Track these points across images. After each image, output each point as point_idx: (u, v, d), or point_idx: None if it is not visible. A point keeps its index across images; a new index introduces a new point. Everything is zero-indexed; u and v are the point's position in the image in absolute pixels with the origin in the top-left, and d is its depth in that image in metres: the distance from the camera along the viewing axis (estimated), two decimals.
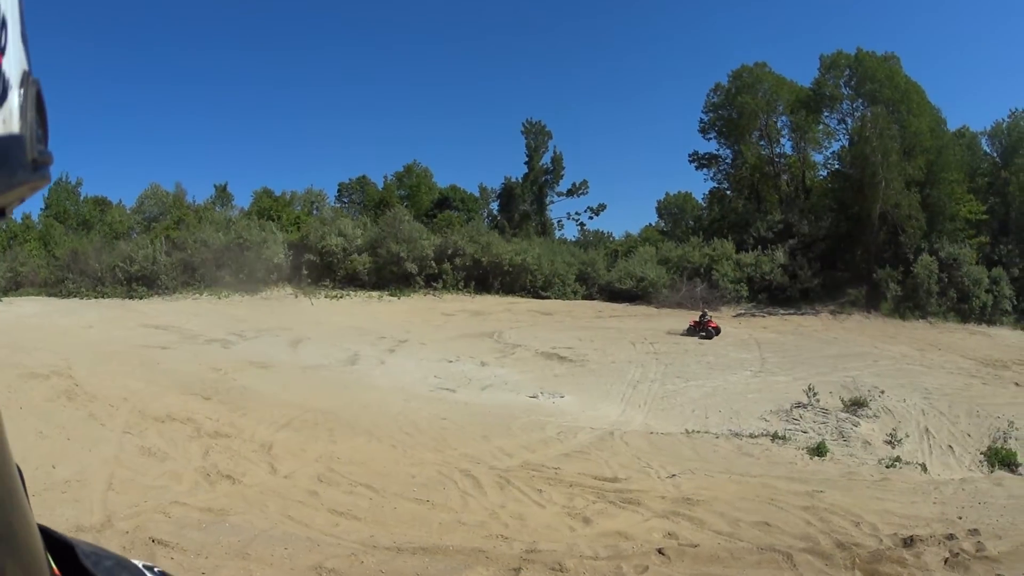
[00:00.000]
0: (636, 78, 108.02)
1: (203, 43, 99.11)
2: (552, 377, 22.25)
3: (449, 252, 43.17)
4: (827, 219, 46.58)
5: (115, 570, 0.84)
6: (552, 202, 57.99)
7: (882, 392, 20.72)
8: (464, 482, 10.72)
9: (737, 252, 44.76)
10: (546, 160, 56.50)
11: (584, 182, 58.15)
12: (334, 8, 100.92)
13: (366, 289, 41.85)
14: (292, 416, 14.08)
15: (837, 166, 49.02)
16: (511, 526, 9.08)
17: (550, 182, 56.90)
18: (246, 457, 11.26)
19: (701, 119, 53.87)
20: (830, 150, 50.72)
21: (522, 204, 55.11)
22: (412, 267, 41.99)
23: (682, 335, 30.55)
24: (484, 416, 16.22)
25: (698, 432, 16.16)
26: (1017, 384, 23.70)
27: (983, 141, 49.13)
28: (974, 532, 9.08)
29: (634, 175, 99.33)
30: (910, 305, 39.38)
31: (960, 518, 10.07)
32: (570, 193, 58.19)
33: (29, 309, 30.53)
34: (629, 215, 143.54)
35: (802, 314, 40.12)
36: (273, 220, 46.65)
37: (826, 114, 49.28)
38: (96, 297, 36.37)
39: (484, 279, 43.45)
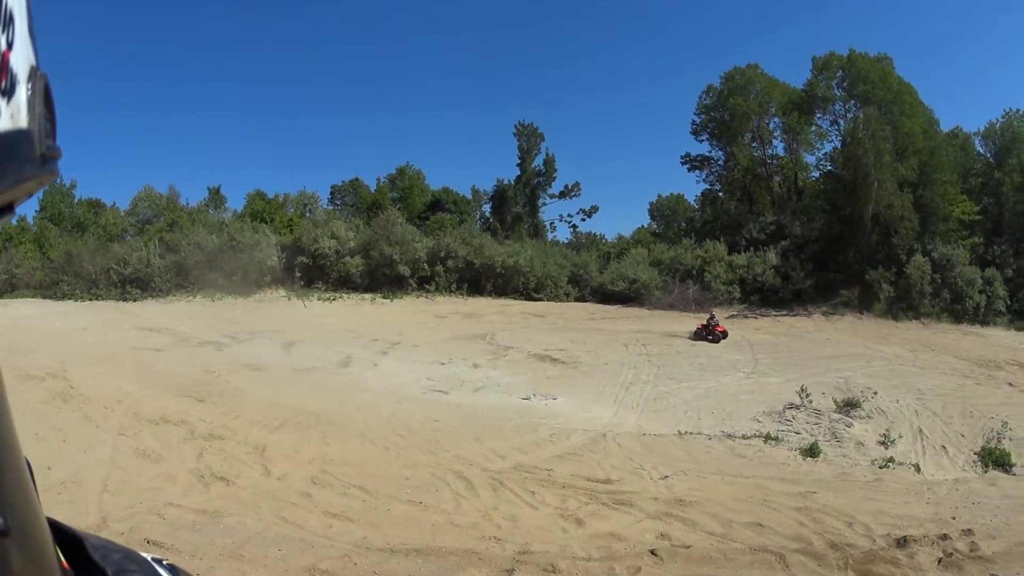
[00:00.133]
0: (628, 80, 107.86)
1: (198, 43, 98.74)
2: (545, 379, 22.24)
3: (442, 254, 43.05)
4: (819, 220, 46.53)
5: (124, 563, 0.84)
6: (544, 204, 57.99)
7: (875, 393, 20.73)
8: (457, 484, 10.74)
9: (729, 254, 44.65)
10: (538, 162, 56.43)
11: (576, 184, 58.25)
12: (328, 10, 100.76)
13: (359, 291, 41.73)
14: (285, 418, 14.09)
15: (829, 167, 48.94)
16: (504, 527, 9.11)
17: (542, 184, 56.83)
18: (240, 459, 11.27)
19: (693, 121, 53.88)
20: (822, 151, 50.77)
21: (514, 206, 55.02)
22: (405, 269, 41.89)
23: (689, 339, 30.48)
24: (477, 418, 16.23)
25: (691, 433, 16.19)
26: (1011, 385, 23.67)
27: (976, 141, 49.06)
28: (968, 532, 9.12)
29: (626, 177, 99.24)
30: (903, 306, 39.31)
31: (954, 518, 10.12)
32: (562, 195, 58.22)
33: (24, 311, 30.48)
34: (621, 217, 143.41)
35: (795, 315, 40.12)
36: (266, 222, 46.61)
37: (818, 115, 49.31)
38: (90, 299, 36.28)
39: (477, 281, 43.32)
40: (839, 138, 47.79)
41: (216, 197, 53.03)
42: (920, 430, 17.83)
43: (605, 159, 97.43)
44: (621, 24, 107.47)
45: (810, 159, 51.92)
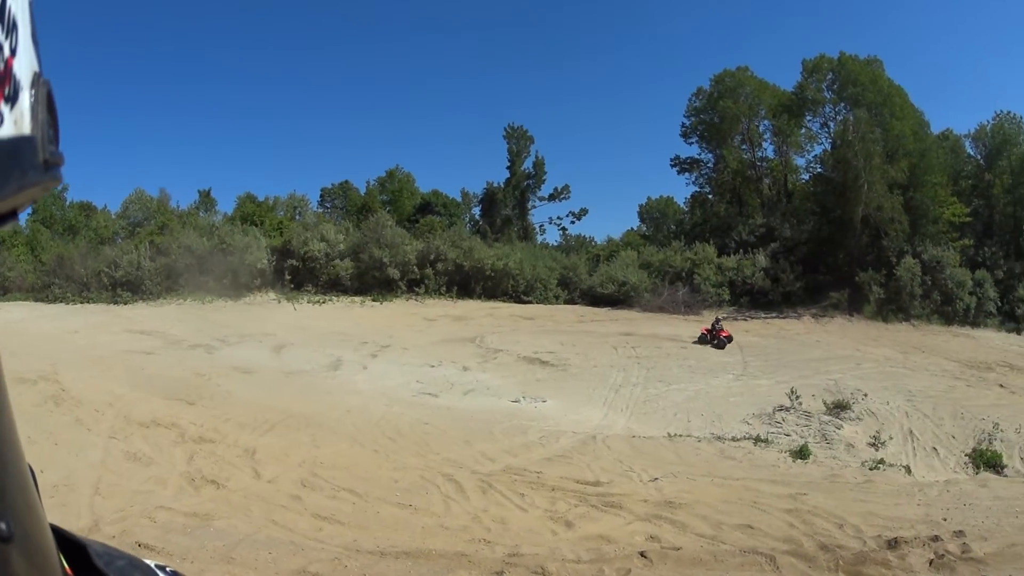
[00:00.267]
0: (617, 81, 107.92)
1: (189, 45, 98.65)
2: (534, 381, 22.22)
3: (431, 257, 43.14)
4: (809, 222, 46.60)
5: (127, 570, 0.85)
6: (534, 207, 58.17)
7: (865, 395, 20.80)
8: (447, 486, 10.74)
9: (719, 256, 44.66)
10: (528, 165, 56.66)
11: (566, 187, 58.46)
12: (317, 11, 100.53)
13: (348, 294, 41.75)
14: (275, 421, 14.08)
15: (819, 170, 48.94)
16: (493, 530, 9.11)
17: (532, 186, 57.00)
18: (230, 462, 11.26)
19: (683, 123, 53.96)
20: (812, 154, 50.94)
21: (504, 209, 55.18)
22: (394, 272, 41.88)
23: (694, 344, 30.40)
24: (466, 421, 16.23)
25: (680, 436, 16.19)
26: (1002, 386, 23.75)
27: (967, 143, 49.18)
28: (959, 534, 9.14)
29: (616, 179, 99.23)
30: (893, 308, 39.37)
31: (945, 520, 10.14)
32: (552, 198, 58.37)
33: (16, 314, 30.47)
34: (611, 220, 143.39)
35: (784, 317, 40.16)
36: (256, 225, 46.65)
37: (808, 118, 49.40)
38: (82, 302, 36.35)
39: (466, 284, 43.38)
40: (829, 140, 47.85)
41: (206, 200, 53.14)
42: (911, 432, 17.87)
43: (595, 161, 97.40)
44: (611, 27, 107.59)
45: (800, 161, 52.28)
